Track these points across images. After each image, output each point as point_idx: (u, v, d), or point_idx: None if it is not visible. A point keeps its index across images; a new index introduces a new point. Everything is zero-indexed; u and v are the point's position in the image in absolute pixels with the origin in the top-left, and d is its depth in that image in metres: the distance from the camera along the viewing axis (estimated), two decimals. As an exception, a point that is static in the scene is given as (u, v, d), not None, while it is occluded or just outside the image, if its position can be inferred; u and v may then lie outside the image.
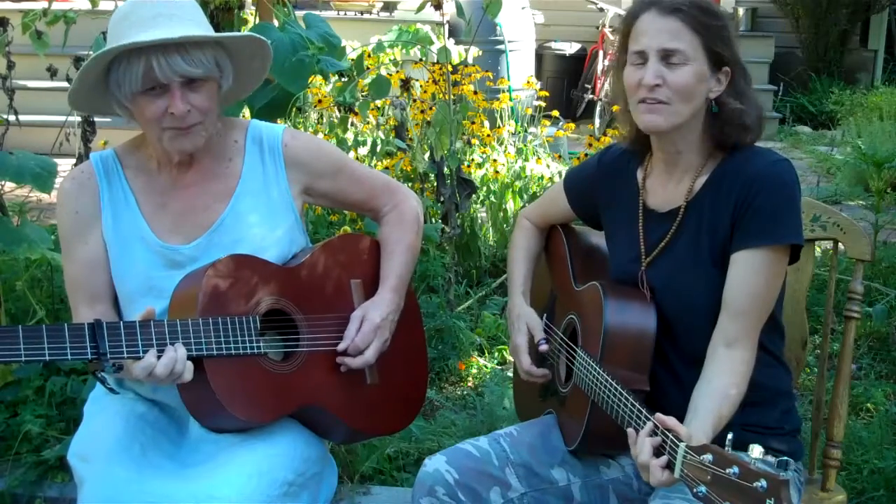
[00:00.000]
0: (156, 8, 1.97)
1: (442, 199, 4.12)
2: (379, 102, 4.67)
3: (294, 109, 3.72)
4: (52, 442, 3.01)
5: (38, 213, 4.63)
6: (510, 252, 2.36)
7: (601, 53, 8.30)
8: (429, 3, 3.88)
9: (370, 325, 2.11)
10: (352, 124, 4.73)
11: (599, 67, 8.29)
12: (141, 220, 2.07)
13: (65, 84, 2.67)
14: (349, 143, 4.40)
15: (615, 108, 2.14)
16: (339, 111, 4.48)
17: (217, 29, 3.62)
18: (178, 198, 2.09)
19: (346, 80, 4.26)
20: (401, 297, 2.19)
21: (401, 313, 2.19)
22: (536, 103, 5.88)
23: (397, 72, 5.27)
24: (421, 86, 4.95)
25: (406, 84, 4.80)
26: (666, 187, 2.00)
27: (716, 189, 1.92)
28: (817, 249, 3.19)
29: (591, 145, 4.61)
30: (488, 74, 5.59)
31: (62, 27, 3.69)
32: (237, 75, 2.08)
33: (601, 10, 8.53)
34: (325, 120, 4.91)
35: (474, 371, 3.70)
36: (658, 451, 1.64)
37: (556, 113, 5.54)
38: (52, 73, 3.85)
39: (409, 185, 4.34)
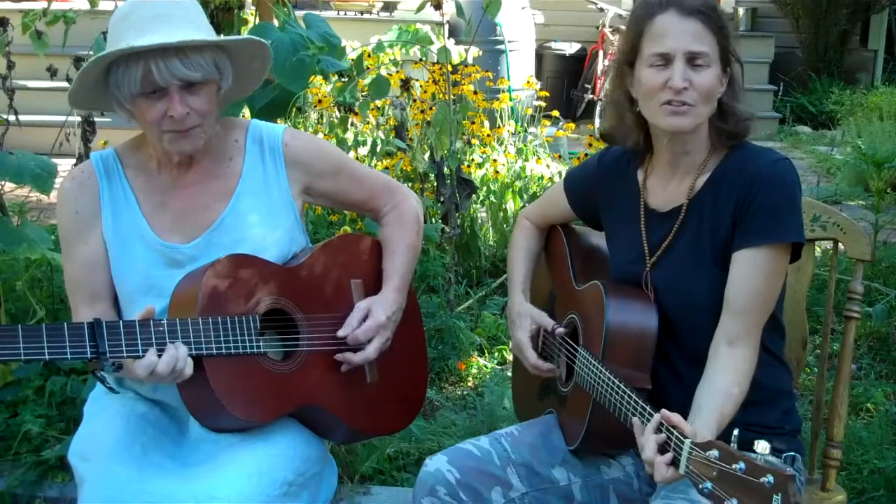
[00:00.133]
0: (155, 8, 1.96)
1: (442, 199, 4.12)
2: (379, 102, 4.67)
3: (294, 109, 3.71)
4: (52, 442, 3.01)
5: (38, 213, 4.63)
6: (510, 251, 2.36)
7: (601, 53, 8.29)
8: (429, 3, 3.87)
9: (374, 321, 2.11)
10: (352, 124, 4.72)
11: (599, 67, 8.28)
12: (141, 219, 2.07)
13: (65, 84, 2.67)
14: (349, 143, 4.40)
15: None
16: (339, 111, 4.47)
17: (217, 29, 3.62)
18: (178, 197, 2.09)
19: (346, 80, 4.25)
20: (403, 296, 2.19)
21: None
22: (536, 103, 5.87)
23: (397, 72, 5.26)
24: (421, 86, 4.94)
25: (406, 84, 4.80)
26: (667, 187, 2.00)
27: (717, 188, 1.92)
28: (817, 249, 3.19)
29: (591, 145, 4.59)
30: (488, 74, 5.58)
31: (62, 27, 3.69)
32: (237, 76, 2.07)
33: (601, 10, 8.53)
34: (325, 120, 4.91)
35: (474, 371, 3.70)
36: (663, 448, 1.64)
37: (556, 113, 5.53)
38: (52, 73, 3.85)
39: (409, 185, 4.34)
